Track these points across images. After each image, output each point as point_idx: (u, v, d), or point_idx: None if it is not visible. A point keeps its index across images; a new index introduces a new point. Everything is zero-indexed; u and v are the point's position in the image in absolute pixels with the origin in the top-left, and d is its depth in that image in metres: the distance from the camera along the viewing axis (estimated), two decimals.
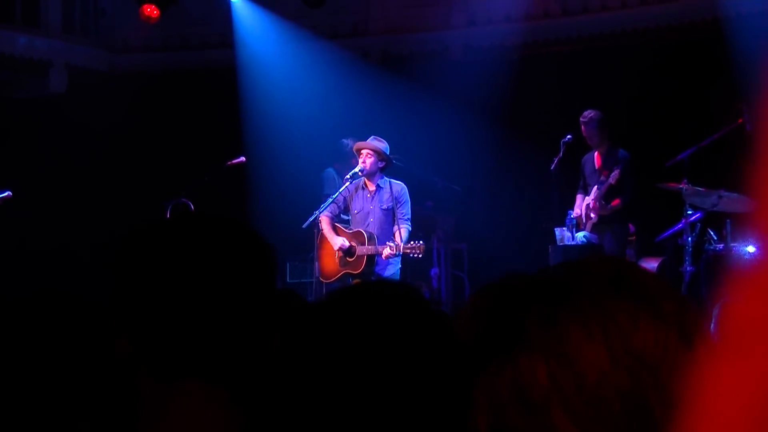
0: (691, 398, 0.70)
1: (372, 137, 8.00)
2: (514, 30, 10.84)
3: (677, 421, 0.71)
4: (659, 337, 0.94)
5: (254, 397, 1.35)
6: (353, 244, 7.88)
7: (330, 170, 9.42)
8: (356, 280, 7.18)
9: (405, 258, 7.89)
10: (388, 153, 7.94)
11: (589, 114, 8.33)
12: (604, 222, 8.26)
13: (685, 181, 7.62)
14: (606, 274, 0.98)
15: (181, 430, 1.34)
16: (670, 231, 8.24)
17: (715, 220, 7.71)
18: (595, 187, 8.28)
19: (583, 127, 8.35)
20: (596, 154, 8.45)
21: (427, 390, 1.25)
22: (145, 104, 11.55)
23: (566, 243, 8.21)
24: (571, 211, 8.37)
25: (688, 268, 7.73)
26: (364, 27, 11.83)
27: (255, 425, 1.35)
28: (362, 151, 7.92)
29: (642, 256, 8.81)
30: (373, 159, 7.86)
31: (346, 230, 8.05)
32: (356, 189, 8.01)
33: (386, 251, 7.61)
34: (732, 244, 7.42)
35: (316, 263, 8.12)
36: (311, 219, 7.91)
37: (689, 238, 7.74)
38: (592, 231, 8.31)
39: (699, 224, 7.81)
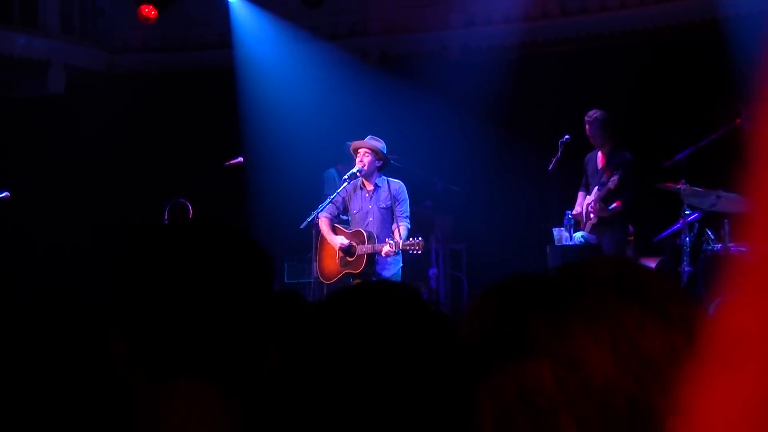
0: (689, 404, 0.70)
1: (369, 137, 8.01)
2: (512, 30, 10.85)
3: (681, 426, 0.70)
4: (666, 340, 0.93)
5: (250, 396, 1.36)
6: (353, 243, 7.88)
7: (331, 171, 9.42)
8: (357, 281, 7.18)
9: (405, 257, 7.90)
10: (385, 152, 7.94)
11: (594, 114, 8.34)
12: (603, 223, 8.26)
13: (683, 181, 7.63)
14: (612, 276, 0.97)
15: (176, 428, 1.35)
16: (668, 231, 8.24)
17: (713, 220, 7.71)
18: (596, 188, 8.29)
19: (587, 126, 8.35)
20: (599, 153, 8.45)
21: (428, 390, 1.25)
22: (143, 104, 11.55)
23: (564, 243, 8.21)
24: (569, 212, 8.37)
25: (686, 269, 7.73)
26: (363, 27, 11.83)
27: (251, 424, 1.35)
28: (359, 151, 7.92)
29: (640, 256, 8.80)
30: (370, 158, 7.87)
31: (346, 230, 8.05)
32: (354, 189, 8.01)
33: (385, 249, 7.61)
34: (730, 245, 7.42)
35: (315, 264, 8.12)
36: (309, 219, 7.91)
37: (687, 239, 7.74)
38: (590, 231, 8.31)
39: (697, 224, 7.80)
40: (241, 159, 9.06)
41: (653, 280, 0.98)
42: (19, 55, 11.25)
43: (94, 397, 1.54)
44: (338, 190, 8.06)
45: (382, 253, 7.66)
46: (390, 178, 7.99)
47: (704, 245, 7.71)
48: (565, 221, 8.27)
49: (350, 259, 7.90)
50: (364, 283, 1.42)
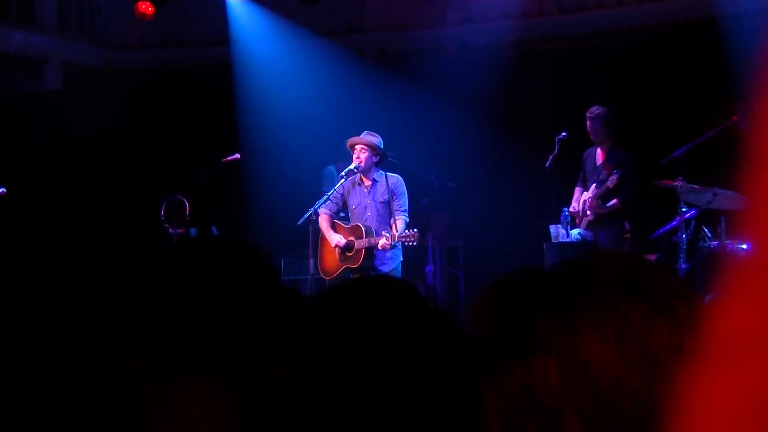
0: (691, 404, 0.70)
1: (365, 132, 8.00)
2: (509, 27, 10.85)
3: (683, 427, 0.70)
4: (673, 340, 0.92)
5: (258, 396, 1.37)
6: (351, 238, 7.90)
7: (331, 168, 9.42)
8: (357, 275, 7.18)
9: (405, 253, 7.92)
10: (382, 147, 7.94)
11: (596, 110, 8.32)
12: (600, 220, 8.26)
13: (680, 178, 7.63)
14: (620, 273, 0.96)
15: (184, 423, 1.35)
16: (665, 228, 8.24)
17: (709, 217, 7.70)
18: (594, 184, 8.28)
19: (588, 122, 8.34)
20: (599, 150, 8.44)
21: (429, 387, 1.25)
22: (140, 101, 11.54)
23: (561, 240, 8.21)
24: (566, 209, 8.36)
25: (682, 266, 7.73)
26: (360, 24, 11.83)
27: (257, 421, 1.36)
28: (356, 147, 7.92)
29: (636, 253, 8.79)
30: (367, 154, 7.87)
31: (345, 226, 8.06)
32: (353, 185, 8.02)
33: (382, 241, 7.63)
34: (726, 242, 7.43)
35: (312, 260, 8.13)
36: (306, 216, 7.92)
37: (684, 236, 7.74)
38: (587, 228, 8.31)
39: (693, 221, 7.80)
40: (238, 156, 9.06)
41: (661, 277, 0.97)
42: (16, 52, 11.24)
43: (101, 394, 1.54)
44: (335, 187, 8.06)
45: (379, 246, 7.67)
46: (388, 173, 7.99)
47: (701, 242, 7.71)
48: (562, 218, 8.27)
49: (349, 254, 7.92)
50: (361, 278, 1.43)
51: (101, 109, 11.07)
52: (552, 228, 8.34)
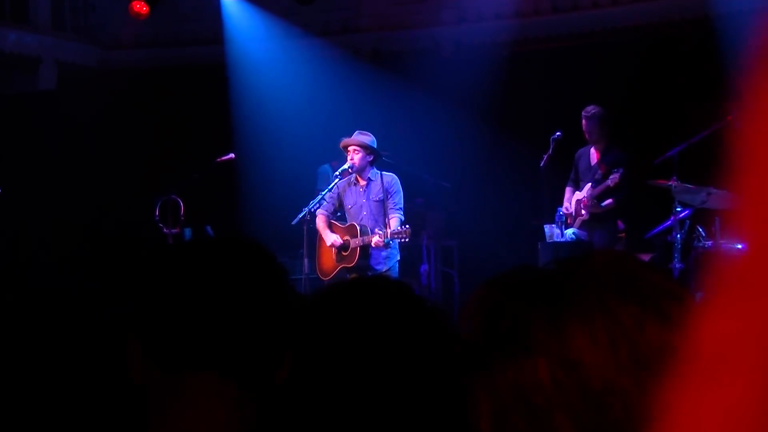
0: (679, 407, 0.69)
1: (357, 132, 7.97)
2: (504, 27, 10.85)
3: (673, 427, 0.70)
4: (665, 341, 0.92)
5: (265, 396, 1.37)
6: (346, 238, 7.90)
7: (326, 167, 9.41)
8: (353, 275, 7.18)
9: (402, 252, 7.94)
10: (375, 146, 7.93)
11: (592, 109, 8.32)
12: (594, 219, 8.26)
13: (675, 178, 7.63)
14: (611, 274, 0.96)
15: (190, 421, 1.36)
16: (659, 228, 8.25)
17: (704, 217, 7.71)
18: (589, 184, 8.28)
19: (584, 121, 8.33)
20: (593, 149, 8.44)
21: (424, 385, 1.25)
22: (135, 100, 11.52)
23: (555, 240, 8.21)
24: (561, 208, 8.37)
25: (677, 265, 7.74)
26: (355, 24, 11.83)
27: (264, 420, 1.36)
28: (349, 148, 7.91)
29: (631, 253, 8.80)
30: (360, 154, 7.86)
31: (341, 225, 8.06)
32: (348, 184, 8.02)
33: (375, 239, 7.64)
34: (721, 241, 7.43)
35: (306, 260, 8.12)
36: (301, 216, 7.91)
37: (678, 235, 7.75)
38: (581, 228, 8.31)
39: (688, 221, 7.81)
40: (232, 155, 9.06)
41: (653, 278, 0.97)
42: (10, 51, 11.23)
43: (108, 393, 1.54)
44: (329, 187, 8.05)
45: (372, 243, 7.67)
46: (383, 172, 7.99)
47: (695, 242, 7.72)
48: (556, 218, 8.27)
49: (345, 254, 7.93)
50: (357, 279, 1.43)
51: (96, 108, 11.05)
52: (546, 227, 8.35)
